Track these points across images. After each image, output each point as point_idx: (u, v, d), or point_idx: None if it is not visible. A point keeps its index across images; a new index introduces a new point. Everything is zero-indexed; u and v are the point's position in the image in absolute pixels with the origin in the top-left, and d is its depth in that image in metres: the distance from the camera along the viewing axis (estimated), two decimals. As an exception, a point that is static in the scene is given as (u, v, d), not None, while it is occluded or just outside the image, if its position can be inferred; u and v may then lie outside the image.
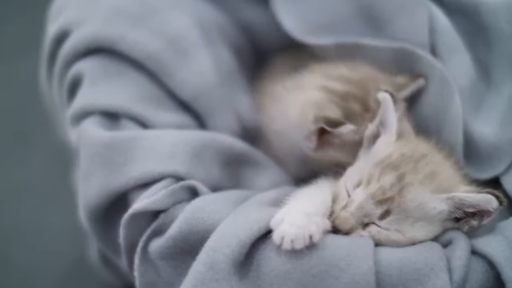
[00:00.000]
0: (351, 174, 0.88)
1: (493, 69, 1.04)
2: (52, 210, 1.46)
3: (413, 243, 0.83)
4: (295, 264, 0.79)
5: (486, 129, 0.99)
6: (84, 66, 1.04)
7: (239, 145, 1.03)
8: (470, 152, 0.98)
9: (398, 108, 0.89)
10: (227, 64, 1.11)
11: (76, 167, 1.08)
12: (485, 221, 0.83)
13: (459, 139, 0.97)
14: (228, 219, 0.84)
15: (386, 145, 0.87)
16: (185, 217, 0.86)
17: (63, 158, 1.29)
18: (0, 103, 1.72)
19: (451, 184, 0.85)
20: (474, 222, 0.84)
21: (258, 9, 1.17)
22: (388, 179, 0.83)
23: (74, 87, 1.05)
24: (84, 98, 1.02)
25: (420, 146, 0.88)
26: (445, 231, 0.85)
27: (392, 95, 0.88)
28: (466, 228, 0.84)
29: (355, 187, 0.85)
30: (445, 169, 0.86)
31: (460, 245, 0.82)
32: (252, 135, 1.10)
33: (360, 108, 0.96)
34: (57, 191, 1.44)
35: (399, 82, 1.00)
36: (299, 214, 0.81)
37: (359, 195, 0.84)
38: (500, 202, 0.82)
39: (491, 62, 1.05)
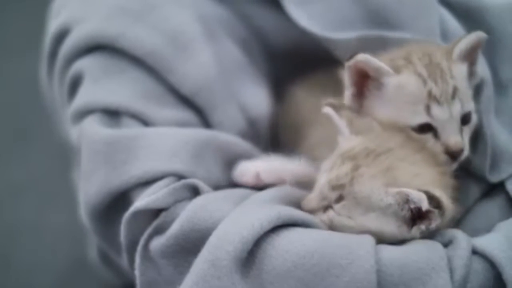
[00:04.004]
0: (328, 160, 0.91)
1: (500, 72, 1.04)
2: (52, 208, 1.46)
3: (366, 232, 0.83)
4: (296, 263, 0.79)
5: (499, 132, 0.99)
6: (85, 64, 1.04)
7: (241, 144, 1.03)
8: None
9: (342, 114, 0.93)
10: (231, 57, 1.12)
11: (77, 165, 1.08)
12: (433, 225, 0.83)
13: (482, 136, 0.97)
14: (229, 217, 0.84)
15: (347, 141, 0.91)
16: (186, 215, 0.86)
17: (64, 156, 1.28)
18: (0, 101, 1.72)
19: (410, 179, 0.85)
20: (422, 227, 0.84)
21: (262, 8, 1.17)
22: (345, 168, 0.87)
23: (75, 85, 1.05)
24: (85, 96, 1.02)
25: (390, 140, 0.90)
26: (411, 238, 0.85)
27: (333, 106, 0.93)
28: (417, 234, 0.84)
29: (324, 171, 0.90)
30: (407, 164, 0.87)
31: (461, 244, 0.82)
32: (259, 128, 1.11)
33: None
34: (57, 190, 1.44)
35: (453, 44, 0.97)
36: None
37: (321, 180, 0.89)
38: (431, 202, 0.81)
39: (497, 65, 1.05)
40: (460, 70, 0.95)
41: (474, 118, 0.96)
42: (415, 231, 0.84)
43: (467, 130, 0.95)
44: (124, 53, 1.04)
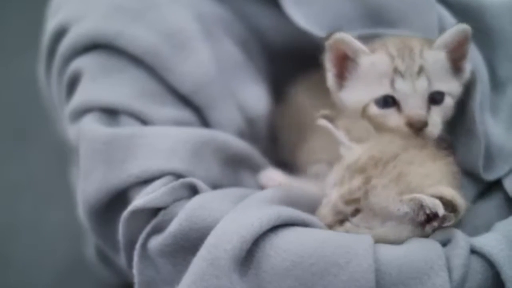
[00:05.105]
0: (334, 172, 0.91)
1: (498, 70, 1.05)
2: (51, 207, 1.45)
3: (385, 242, 0.83)
4: (294, 262, 0.79)
5: (495, 130, 0.99)
6: (83, 63, 1.04)
7: (239, 145, 1.03)
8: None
9: (339, 124, 0.94)
10: (230, 56, 1.12)
11: (75, 164, 1.08)
12: (446, 224, 0.84)
13: (475, 134, 0.97)
14: (228, 216, 0.84)
15: (350, 151, 0.91)
16: (185, 214, 0.86)
17: (62, 155, 1.29)
18: (-1, 100, 1.73)
19: (421, 181, 0.86)
20: (435, 224, 0.84)
21: (260, 8, 1.17)
22: (356, 182, 0.87)
23: (73, 84, 1.05)
24: (83, 94, 1.02)
25: (392, 144, 0.90)
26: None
27: (328, 117, 0.95)
28: (429, 231, 0.85)
29: (334, 186, 0.89)
30: (416, 166, 0.87)
31: (460, 244, 0.82)
32: (257, 127, 1.11)
33: None
34: (56, 189, 1.44)
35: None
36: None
37: (333, 195, 0.88)
38: (447, 207, 0.82)
39: (495, 63, 1.05)
40: (435, 55, 0.96)
41: (449, 102, 0.96)
42: (428, 229, 0.85)
43: (438, 111, 0.96)
44: (122, 52, 1.04)
